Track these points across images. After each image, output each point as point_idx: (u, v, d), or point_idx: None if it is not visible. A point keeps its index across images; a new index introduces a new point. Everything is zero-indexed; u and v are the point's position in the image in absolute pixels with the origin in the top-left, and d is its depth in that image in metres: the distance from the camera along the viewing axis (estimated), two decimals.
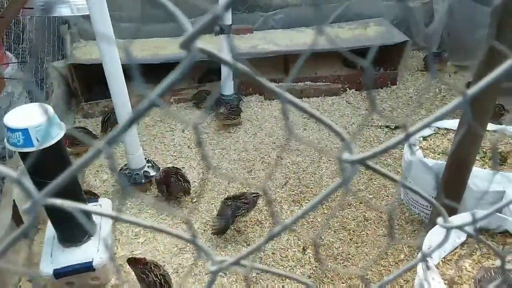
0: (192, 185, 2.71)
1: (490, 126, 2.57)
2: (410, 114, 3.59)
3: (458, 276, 1.64)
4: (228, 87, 3.61)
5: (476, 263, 1.72)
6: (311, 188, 2.81)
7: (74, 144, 3.01)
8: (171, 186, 2.58)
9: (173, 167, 2.69)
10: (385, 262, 2.26)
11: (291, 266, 2.26)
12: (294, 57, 3.93)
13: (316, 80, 3.92)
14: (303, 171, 2.96)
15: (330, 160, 3.06)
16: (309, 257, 2.31)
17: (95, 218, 2.19)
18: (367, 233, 2.46)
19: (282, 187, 2.83)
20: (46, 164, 1.77)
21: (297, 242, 2.41)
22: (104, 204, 2.33)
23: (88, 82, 3.66)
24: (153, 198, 2.73)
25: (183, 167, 2.90)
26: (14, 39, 3.30)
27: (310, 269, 2.25)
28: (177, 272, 2.22)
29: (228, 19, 3.23)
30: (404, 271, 0.46)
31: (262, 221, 2.54)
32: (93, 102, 3.53)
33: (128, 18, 3.78)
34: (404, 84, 3.99)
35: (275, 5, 4.07)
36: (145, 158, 2.75)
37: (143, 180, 2.67)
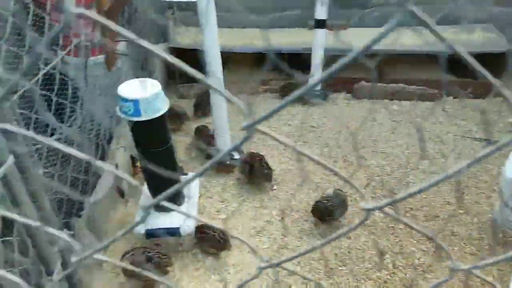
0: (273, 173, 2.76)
1: None
2: None
3: None
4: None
5: None
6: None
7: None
8: (254, 169, 2.65)
9: (257, 153, 2.76)
10: (472, 281, 2.11)
11: (367, 268, 2.20)
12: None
13: (411, 83, 3.73)
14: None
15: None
16: (387, 263, 2.24)
17: (184, 191, 2.33)
18: (453, 249, 2.30)
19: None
20: (149, 134, 1.93)
21: (375, 245, 2.34)
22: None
23: None
24: (235, 179, 2.83)
25: (265, 155, 2.96)
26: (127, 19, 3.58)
27: (387, 274, 2.17)
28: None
29: (322, 14, 3.23)
30: None
31: None
32: (188, 85, 3.74)
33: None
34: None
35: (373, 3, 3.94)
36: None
37: (227, 162, 2.79)
